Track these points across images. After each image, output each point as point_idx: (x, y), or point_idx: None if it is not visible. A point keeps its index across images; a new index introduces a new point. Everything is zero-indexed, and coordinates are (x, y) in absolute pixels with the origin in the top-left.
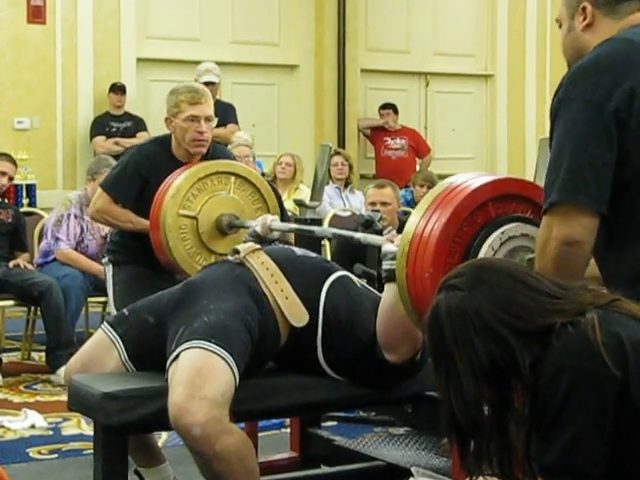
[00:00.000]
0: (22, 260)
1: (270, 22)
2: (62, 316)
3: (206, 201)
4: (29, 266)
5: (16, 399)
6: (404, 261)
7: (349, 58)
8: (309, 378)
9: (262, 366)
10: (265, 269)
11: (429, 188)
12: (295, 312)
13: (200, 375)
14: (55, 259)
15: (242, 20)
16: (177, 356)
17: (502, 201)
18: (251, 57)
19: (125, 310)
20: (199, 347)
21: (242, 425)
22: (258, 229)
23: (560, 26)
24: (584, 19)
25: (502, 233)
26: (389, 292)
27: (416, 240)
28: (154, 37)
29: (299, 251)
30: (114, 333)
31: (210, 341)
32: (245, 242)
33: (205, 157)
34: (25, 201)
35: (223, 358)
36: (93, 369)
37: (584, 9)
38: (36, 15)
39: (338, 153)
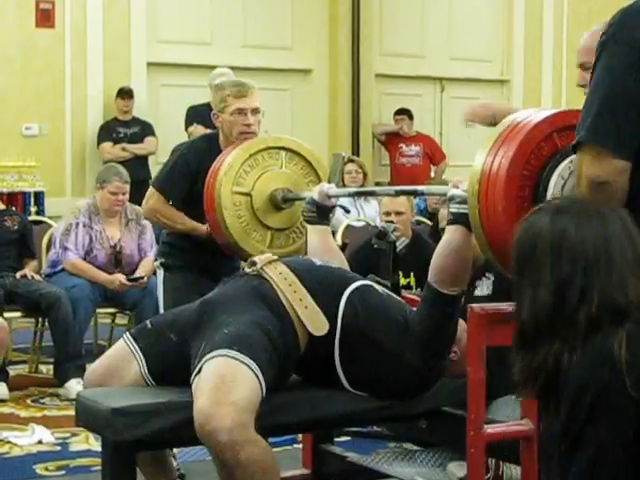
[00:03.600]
0: (30, 270)
1: (283, 26)
2: (70, 328)
3: (259, 177)
4: (37, 277)
5: (23, 413)
6: (475, 200)
7: (363, 63)
8: (320, 393)
9: (287, 378)
10: (283, 279)
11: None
12: (315, 321)
13: (225, 382)
14: (63, 269)
15: (254, 24)
16: (200, 369)
17: (566, 131)
18: (263, 61)
19: (148, 322)
20: (222, 355)
21: None
22: (315, 197)
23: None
24: None
25: (571, 162)
26: (453, 234)
27: (485, 177)
28: (164, 41)
29: (319, 261)
30: (135, 346)
31: (232, 349)
32: (303, 212)
33: None
34: (33, 209)
35: (247, 365)
36: (112, 380)
37: None
38: (45, 19)
39: (352, 161)
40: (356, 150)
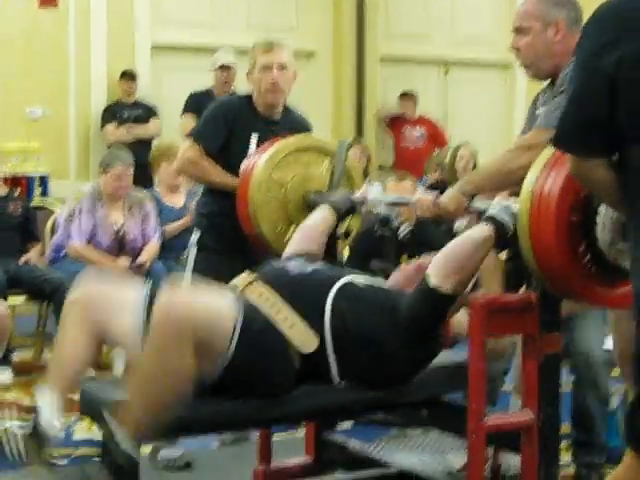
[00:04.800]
0: (34, 255)
1: (286, 7)
2: None
3: (299, 173)
4: (39, 262)
5: (26, 401)
6: (526, 218)
7: (368, 45)
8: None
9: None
10: (265, 300)
11: (442, 171)
12: (303, 339)
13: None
14: (67, 254)
15: (258, 5)
16: None
17: None
18: None
19: None
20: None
21: None
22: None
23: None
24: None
25: None
26: (480, 232)
27: (536, 199)
28: (168, 23)
29: (294, 268)
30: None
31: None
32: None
33: (276, 121)
34: (37, 191)
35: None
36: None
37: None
38: (48, 1)
39: (356, 144)
40: (360, 132)
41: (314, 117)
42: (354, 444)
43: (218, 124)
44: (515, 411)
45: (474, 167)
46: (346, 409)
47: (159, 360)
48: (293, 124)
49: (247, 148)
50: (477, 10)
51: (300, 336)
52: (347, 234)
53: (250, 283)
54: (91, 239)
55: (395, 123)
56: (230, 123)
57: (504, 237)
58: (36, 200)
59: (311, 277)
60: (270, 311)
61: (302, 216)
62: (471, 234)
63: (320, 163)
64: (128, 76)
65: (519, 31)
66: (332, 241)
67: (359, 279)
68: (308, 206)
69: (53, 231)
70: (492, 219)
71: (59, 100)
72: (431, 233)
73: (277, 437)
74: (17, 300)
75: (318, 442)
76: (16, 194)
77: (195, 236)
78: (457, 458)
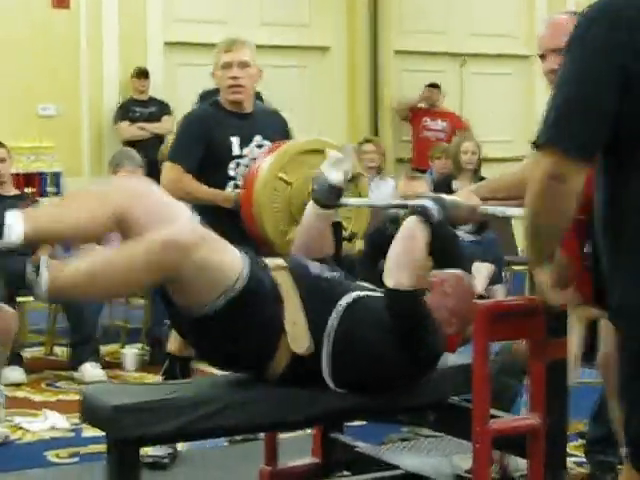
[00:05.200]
0: (43, 254)
1: (300, 2)
2: (85, 310)
3: (305, 174)
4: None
5: (37, 398)
6: None
7: (382, 39)
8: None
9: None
10: (286, 290)
11: (446, 159)
12: (299, 340)
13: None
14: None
15: (271, 1)
16: None
17: None
18: (280, 39)
19: None
20: None
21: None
22: (335, 178)
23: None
24: None
25: None
26: (409, 225)
27: None
28: (181, 20)
29: (314, 269)
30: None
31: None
32: (316, 194)
33: (249, 114)
34: (51, 189)
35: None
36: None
37: None
38: (61, 1)
39: (369, 141)
40: (374, 128)
41: (328, 112)
42: (362, 445)
43: (192, 140)
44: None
45: (478, 161)
46: (349, 413)
47: (139, 261)
48: (269, 119)
49: (230, 153)
50: (495, 1)
51: (298, 336)
52: (351, 237)
53: (280, 268)
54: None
55: (415, 114)
56: (205, 136)
57: (431, 224)
58: (50, 198)
59: (328, 281)
60: (288, 304)
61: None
62: (402, 230)
63: None
64: (141, 73)
65: (556, 52)
66: (337, 245)
67: (368, 292)
68: None
69: None
70: (417, 208)
71: (72, 98)
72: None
73: (284, 436)
74: (28, 297)
75: (325, 443)
76: (27, 193)
77: None
78: (464, 461)
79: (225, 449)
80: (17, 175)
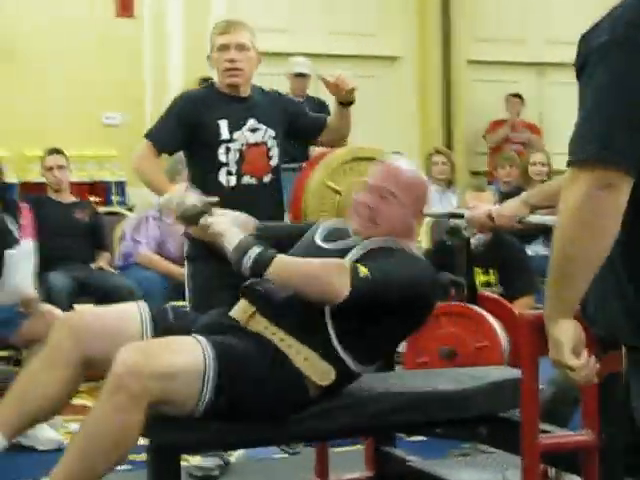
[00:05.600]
0: (103, 263)
1: (368, 11)
2: None
3: (353, 182)
4: (110, 269)
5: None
6: None
7: (455, 48)
8: (373, 398)
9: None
10: (272, 334)
11: (511, 168)
12: (320, 371)
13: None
14: (136, 262)
15: (338, 9)
16: None
17: None
18: (347, 48)
19: (169, 309)
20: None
21: None
22: None
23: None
24: None
25: None
26: None
27: None
28: None
29: (279, 291)
30: (147, 311)
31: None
32: None
33: (244, 98)
34: (115, 198)
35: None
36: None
37: None
38: (125, 9)
39: (438, 152)
40: (448, 140)
41: (399, 124)
42: (414, 459)
43: (173, 121)
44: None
45: (548, 174)
46: (397, 426)
47: (112, 418)
48: (267, 101)
49: (217, 136)
50: (575, 6)
51: (316, 369)
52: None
53: (251, 316)
54: (159, 247)
55: (494, 126)
56: (189, 117)
57: None
58: (114, 206)
59: (300, 300)
60: (280, 345)
61: None
62: None
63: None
64: (207, 82)
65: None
66: None
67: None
68: None
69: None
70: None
71: (136, 106)
72: (510, 243)
73: (338, 450)
74: (85, 307)
75: (377, 456)
76: (86, 201)
77: (185, 248)
78: (516, 476)
79: (276, 461)
80: (82, 184)
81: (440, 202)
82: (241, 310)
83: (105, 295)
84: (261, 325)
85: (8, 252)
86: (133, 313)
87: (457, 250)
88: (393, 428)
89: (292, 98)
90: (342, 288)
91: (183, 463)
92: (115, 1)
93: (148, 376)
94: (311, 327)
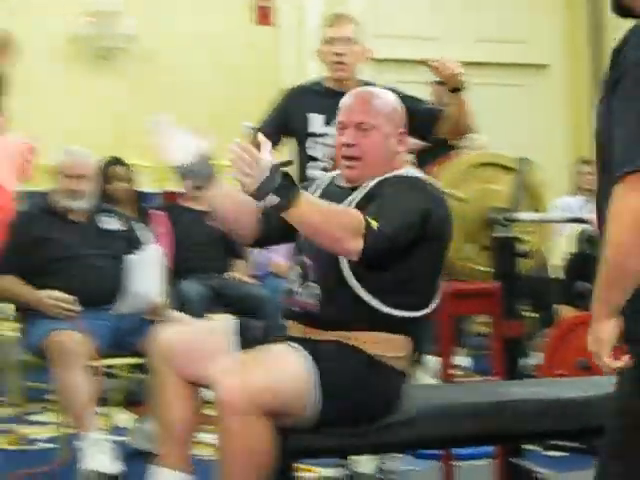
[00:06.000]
0: (239, 272)
1: (517, 17)
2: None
3: (478, 189)
4: (245, 278)
5: None
6: None
7: (607, 55)
8: (483, 405)
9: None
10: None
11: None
12: (392, 345)
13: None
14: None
15: (486, 16)
16: None
17: None
18: (496, 56)
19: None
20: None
21: None
22: None
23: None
24: None
25: None
26: None
27: None
28: (390, 36)
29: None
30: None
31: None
32: None
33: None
34: None
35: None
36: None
37: None
38: (264, 17)
39: (585, 162)
40: None
41: (548, 137)
42: (543, 472)
43: (272, 112)
44: None
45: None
46: (511, 436)
47: (238, 443)
48: None
49: (305, 130)
50: None
51: (388, 343)
52: (526, 253)
53: (306, 332)
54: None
55: None
56: (286, 109)
57: None
58: None
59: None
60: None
61: (482, 234)
62: None
63: (501, 179)
64: None
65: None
66: (511, 260)
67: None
68: (488, 224)
69: None
70: None
71: None
72: None
73: (467, 463)
74: (219, 316)
75: (506, 469)
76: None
77: None
78: None
79: (403, 473)
80: None
81: (580, 210)
82: (295, 330)
83: (239, 303)
84: (319, 336)
85: (129, 257)
86: (219, 328)
87: (591, 259)
88: (519, 437)
89: (405, 94)
90: (356, 248)
91: (309, 474)
92: (254, 9)
93: (255, 391)
94: (354, 312)
